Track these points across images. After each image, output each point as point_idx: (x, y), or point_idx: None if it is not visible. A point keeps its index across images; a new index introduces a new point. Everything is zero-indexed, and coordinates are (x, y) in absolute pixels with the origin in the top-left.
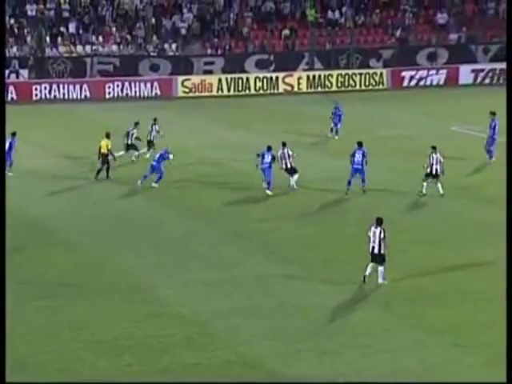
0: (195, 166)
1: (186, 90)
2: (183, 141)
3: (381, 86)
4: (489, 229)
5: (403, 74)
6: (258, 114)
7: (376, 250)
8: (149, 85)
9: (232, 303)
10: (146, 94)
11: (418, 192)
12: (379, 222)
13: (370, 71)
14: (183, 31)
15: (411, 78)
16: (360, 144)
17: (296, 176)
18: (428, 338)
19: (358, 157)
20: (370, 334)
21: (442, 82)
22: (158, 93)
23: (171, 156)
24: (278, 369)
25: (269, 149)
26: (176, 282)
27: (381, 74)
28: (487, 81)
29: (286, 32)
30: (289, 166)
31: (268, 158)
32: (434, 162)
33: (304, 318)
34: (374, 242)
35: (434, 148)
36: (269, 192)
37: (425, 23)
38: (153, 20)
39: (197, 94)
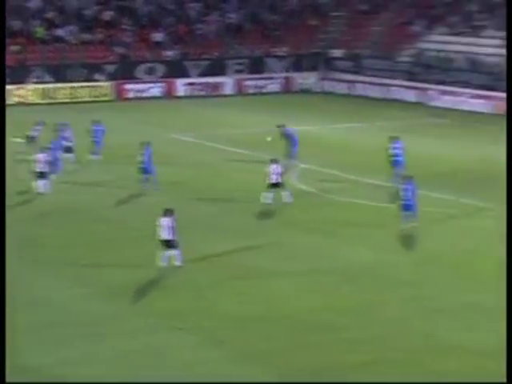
0: None
1: None
2: None
3: (106, 98)
4: (199, 222)
5: (126, 86)
6: None
7: (168, 237)
8: None
9: None
10: None
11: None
12: (168, 212)
13: (96, 84)
14: None
15: (133, 90)
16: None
17: None
18: (154, 323)
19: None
20: (100, 322)
21: (160, 94)
22: None
23: None
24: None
25: None
26: None
27: (105, 86)
28: (199, 93)
29: (16, 48)
30: None
31: None
32: (274, 173)
33: (40, 308)
34: (165, 229)
35: (273, 160)
36: None
37: (142, 41)
38: None
39: None
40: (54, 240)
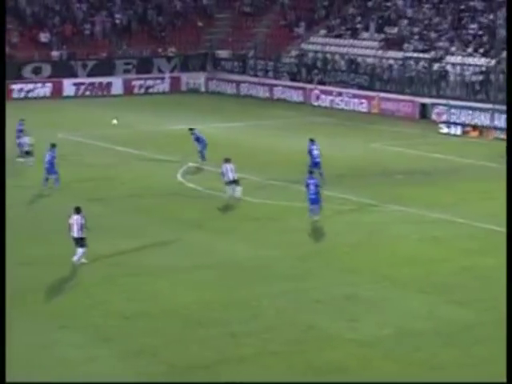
0: None
1: None
2: None
3: None
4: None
5: (12, 86)
6: None
7: (77, 235)
8: None
9: None
10: None
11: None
12: (78, 210)
13: None
14: None
15: (20, 90)
16: (53, 145)
17: None
18: (38, 323)
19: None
20: None
21: (48, 94)
22: None
23: None
24: None
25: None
26: None
27: None
28: (88, 93)
29: None
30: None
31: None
32: (229, 170)
33: None
34: (75, 227)
35: (227, 160)
36: None
37: (29, 41)
38: None
39: None
40: None
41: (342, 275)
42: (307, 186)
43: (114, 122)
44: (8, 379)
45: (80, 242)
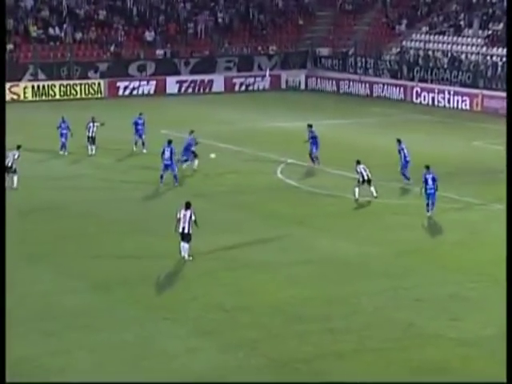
0: None
1: None
2: None
3: (99, 95)
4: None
5: (118, 84)
6: None
7: (186, 230)
8: None
9: None
10: None
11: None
12: (188, 205)
13: (89, 82)
14: None
15: (125, 87)
16: (169, 141)
17: None
18: (141, 314)
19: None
20: (90, 314)
21: (152, 92)
22: None
23: None
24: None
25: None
26: None
27: (98, 84)
28: (190, 90)
29: (10, 46)
30: None
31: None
32: (363, 171)
33: (29, 300)
34: (184, 222)
35: (358, 162)
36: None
37: (135, 39)
38: None
39: None
40: (39, 235)
41: (444, 273)
42: (425, 181)
43: (212, 156)
44: (111, 368)
45: (187, 237)
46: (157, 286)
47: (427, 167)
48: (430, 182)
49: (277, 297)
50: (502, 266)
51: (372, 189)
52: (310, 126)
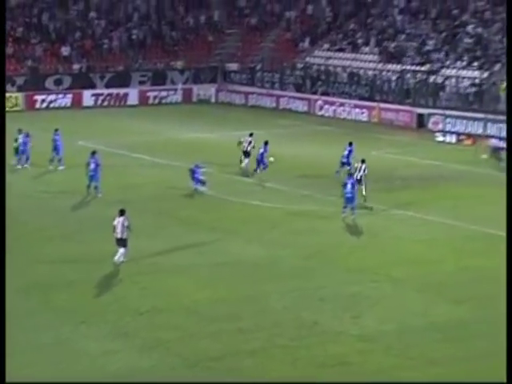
0: None
1: None
2: None
3: (16, 108)
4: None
5: (35, 97)
6: None
7: (119, 235)
8: None
9: None
10: None
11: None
12: (122, 212)
13: (7, 95)
14: None
15: (43, 100)
16: (93, 152)
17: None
18: (61, 318)
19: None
20: (9, 319)
21: (69, 105)
22: None
23: None
24: None
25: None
26: None
27: (16, 97)
28: (105, 103)
29: None
30: None
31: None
32: (359, 171)
33: None
34: (117, 228)
35: (362, 161)
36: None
37: (52, 55)
38: None
39: None
40: None
41: (347, 274)
42: (344, 185)
43: (271, 159)
44: (31, 370)
45: (122, 242)
46: (76, 291)
47: (349, 174)
48: (348, 186)
49: (191, 298)
50: (400, 266)
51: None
52: (251, 134)
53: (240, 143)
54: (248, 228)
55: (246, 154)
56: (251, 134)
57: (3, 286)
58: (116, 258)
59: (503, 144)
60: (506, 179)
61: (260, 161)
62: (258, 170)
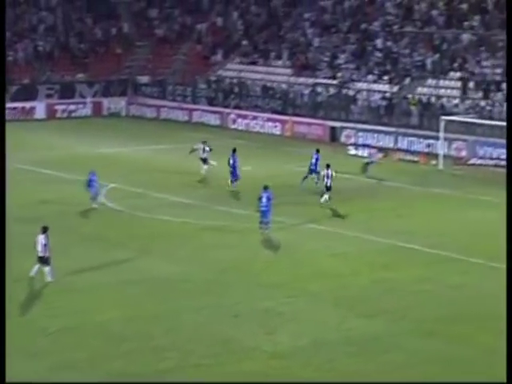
0: None
1: None
2: None
3: None
4: None
5: None
6: None
7: (40, 254)
8: None
9: None
10: None
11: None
12: (44, 229)
13: None
14: None
15: None
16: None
17: None
18: None
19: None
20: None
21: None
22: None
23: None
24: None
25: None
26: None
27: None
28: (11, 117)
29: None
30: None
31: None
32: (327, 177)
33: None
34: (38, 246)
35: (327, 166)
36: None
37: None
38: None
39: None
40: None
41: (260, 290)
42: (260, 198)
43: (214, 163)
44: None
45: (43, 260)
46: None
47: (265, 187)
48: (264, 200)
49: (101, 317)
50: (315, 280)
51: (326, 196)
52: (234, 150)
53: (193, 150)
54: (159, 244)
55: (204, 160)
56: (204, 142)
57: (3, 288)
58: (32, 273)
59: (376, 157)
60: (506, 179)
61: (233, 173)
62: (234, 184)
